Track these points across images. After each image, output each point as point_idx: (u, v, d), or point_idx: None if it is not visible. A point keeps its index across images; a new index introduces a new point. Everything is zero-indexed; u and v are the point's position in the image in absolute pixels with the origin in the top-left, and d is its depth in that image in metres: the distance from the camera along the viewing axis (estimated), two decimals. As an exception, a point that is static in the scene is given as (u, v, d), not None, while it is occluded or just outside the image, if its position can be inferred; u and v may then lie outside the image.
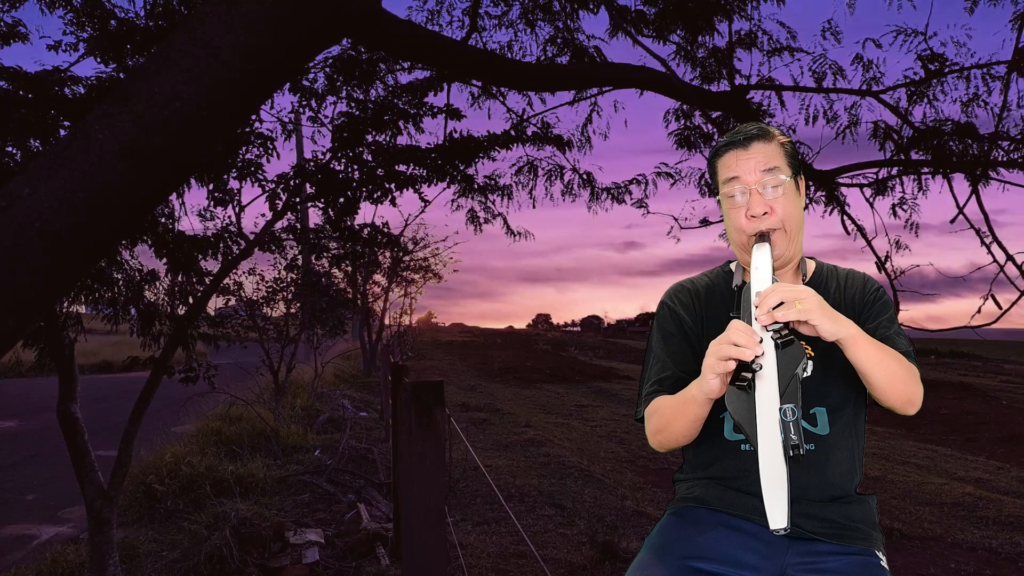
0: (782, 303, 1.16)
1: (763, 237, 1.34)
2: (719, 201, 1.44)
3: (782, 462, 1.10)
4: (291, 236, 5.70)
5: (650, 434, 1.41)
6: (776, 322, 1.16)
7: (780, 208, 1.35)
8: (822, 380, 1.37)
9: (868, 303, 1.43)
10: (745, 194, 1.36)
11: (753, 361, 1.14)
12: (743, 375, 1.14)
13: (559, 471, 6.88)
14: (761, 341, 1.15)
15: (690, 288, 1.52)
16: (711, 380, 1.19)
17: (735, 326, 1.17)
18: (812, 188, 4.58)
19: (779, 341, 1.15)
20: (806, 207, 1.47)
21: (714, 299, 1.49)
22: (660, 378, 1.44)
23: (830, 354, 1.37)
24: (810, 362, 1.38)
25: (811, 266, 1.49)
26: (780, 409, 1.11)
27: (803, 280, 1.45)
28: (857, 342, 1.22)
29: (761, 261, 1.29)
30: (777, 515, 1.09)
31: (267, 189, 3.91)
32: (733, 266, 1.53)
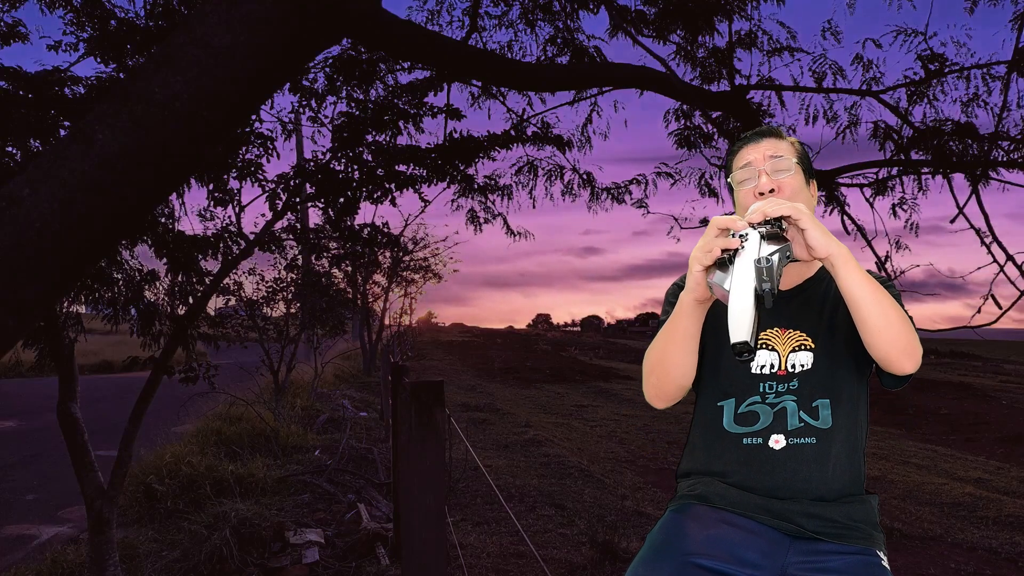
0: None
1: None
2: (733, 198, 1.48)
3: (752, 302, 1.09)
4: (291, 236, 5.70)
5: (646, 384, 1.42)
6: (766, 220, 1.16)
7: (788, 188, 1.38)
8: (825, 372, 1.37)
9: None
10: (753, 176, 1.41)
11: (736, 234, 1.16)
12: (725, 252, 1.16)
13: (559, 471, 6.88)
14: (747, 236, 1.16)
15: None
16: (696, 273, 1.22)
17: (720, 216, 1.20)
18: (820, 195, 4.58)
19: (764, 232, 1.16)
20: None
21: None
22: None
23: (833, 345, 1.38)
24: (801, 295, 1.42)
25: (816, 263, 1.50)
26: (756, 259, 1.11)
27: (811, 274, 1.47)
28: (848, 262, 1.17)
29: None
30: (740, 332, 1.07)
31: (267, 189, 3.91)
32: None
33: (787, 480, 1.34)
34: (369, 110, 3.94)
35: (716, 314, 1.43)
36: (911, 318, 1.29)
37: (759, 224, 1.16)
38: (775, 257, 1.11)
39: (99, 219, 1.52)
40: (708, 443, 1.44)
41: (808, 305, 1.43)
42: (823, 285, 1.46)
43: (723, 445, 1.40)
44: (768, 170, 1.39)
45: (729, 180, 1.48)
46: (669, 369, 1.36)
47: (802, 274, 1.47)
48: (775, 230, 1.15)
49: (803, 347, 1.40)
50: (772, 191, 1.38)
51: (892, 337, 1.18)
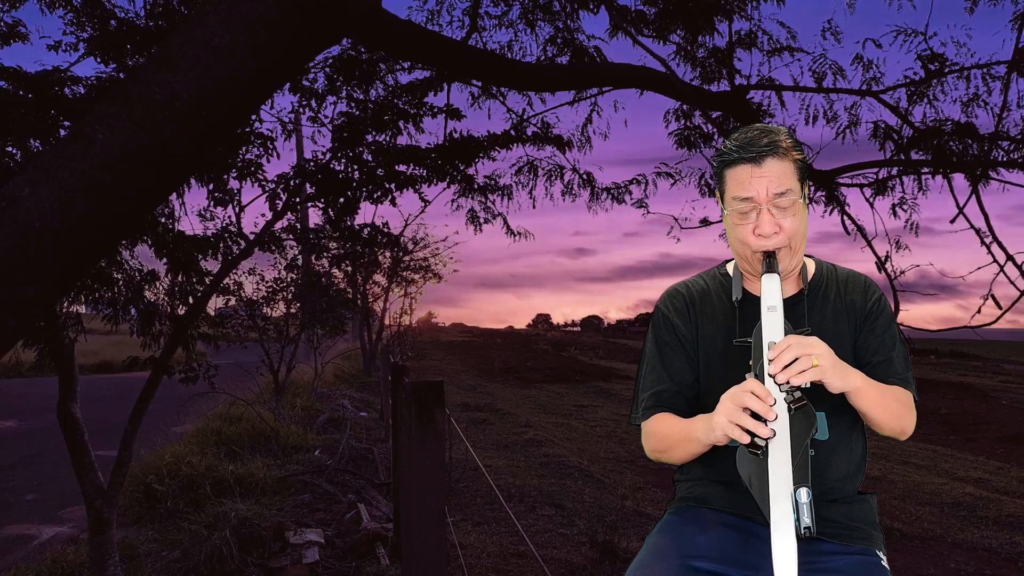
0: (796, 359, 1.17)
1: (771, 260, 1.33)
2: (723, 209, 1.41)
3: (794, 542, 1.11)
4: (291, 236, 5.71)
5: (648, 449, 1.46)
6: (789, 382, 1.17)
7: (789, 226, 1.33)
8: (822, 384, 1.36)
9: (871, 314, 1.42)
10: (755, 211, 1.33)
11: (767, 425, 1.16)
12: (756, 441, 1.16)
13: (559, 471, 6.88)
14: (774, 404, 1.16)
15: (685, 293, 1.52)
16: (719, 436, 1.22)
17: (751, 389, 1.17)
18: (812, 188, 4.58)
19: (793, 406, 1.17)
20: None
21: (710, 306, 1.48)
22: (658, 391, 1.45)
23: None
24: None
25: (811, 268, 1.48)
26: (795, 492, 1.12)
27: (803, 284, 1.44)
28: (862, 393, 1.27)
29: (773, 299, 1.28)
30: None
31: (267, 189, 3.91)
32: (730, 269, 1.51)
33: None
34: (369, 110, 3.94)
35: (711, 350, 1.44)
36: (912, 382, 1.40)
37: (783, 385, 1.17)
38: (810, 494, 1.12)
39: (99, 219, 1.52)
40: (708, 453, 1.42)
41: (807, 317, 1.42)
42: (819, 294, 1.44)
43: (724, 455, 1.40)
44: (771, 208, 1.32)
45: (725, 210, 1.39)
46: (675, 460, 1.44)
47: (799, 284, 1.45)
48: (803, 402, 1.18)
49: None
50: (775, 233, 1.33)
51: (892, 427, 1.34)
